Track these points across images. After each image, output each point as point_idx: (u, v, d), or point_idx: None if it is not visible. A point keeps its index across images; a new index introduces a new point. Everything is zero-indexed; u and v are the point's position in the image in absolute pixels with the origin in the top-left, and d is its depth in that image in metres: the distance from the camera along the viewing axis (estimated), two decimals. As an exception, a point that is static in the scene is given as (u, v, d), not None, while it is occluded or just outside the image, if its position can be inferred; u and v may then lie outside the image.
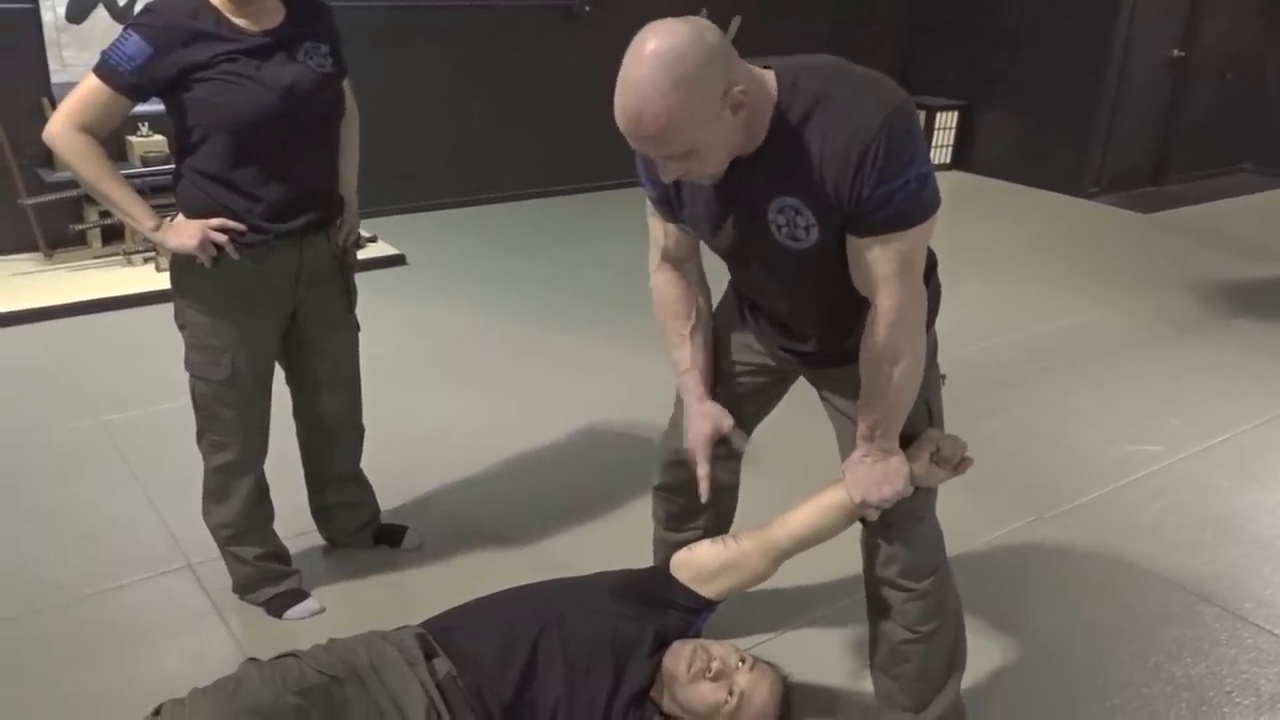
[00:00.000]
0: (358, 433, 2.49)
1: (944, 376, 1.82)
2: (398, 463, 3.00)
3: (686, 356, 1.84)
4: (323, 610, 2.38)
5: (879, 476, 1.69)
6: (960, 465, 1.75)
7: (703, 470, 1.82)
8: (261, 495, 2.35)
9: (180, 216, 2.05)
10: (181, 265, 2.06)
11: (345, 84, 2.17)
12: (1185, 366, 3.93)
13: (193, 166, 2.02)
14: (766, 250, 1.59)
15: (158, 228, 2.00)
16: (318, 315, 2.24)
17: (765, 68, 1.50)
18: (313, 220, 2.12)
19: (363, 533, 2.60)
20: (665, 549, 2.12)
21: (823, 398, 1.86)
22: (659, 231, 1.79)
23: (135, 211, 1.99)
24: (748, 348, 1.88)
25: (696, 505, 1.92)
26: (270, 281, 2.11)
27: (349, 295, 2.32)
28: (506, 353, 3.91)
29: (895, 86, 1.49)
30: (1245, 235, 5.87)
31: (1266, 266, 5.24)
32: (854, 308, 1.61)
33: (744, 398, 1.91)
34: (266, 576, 2.38)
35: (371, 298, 4.49)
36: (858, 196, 1.44)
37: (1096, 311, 4.50)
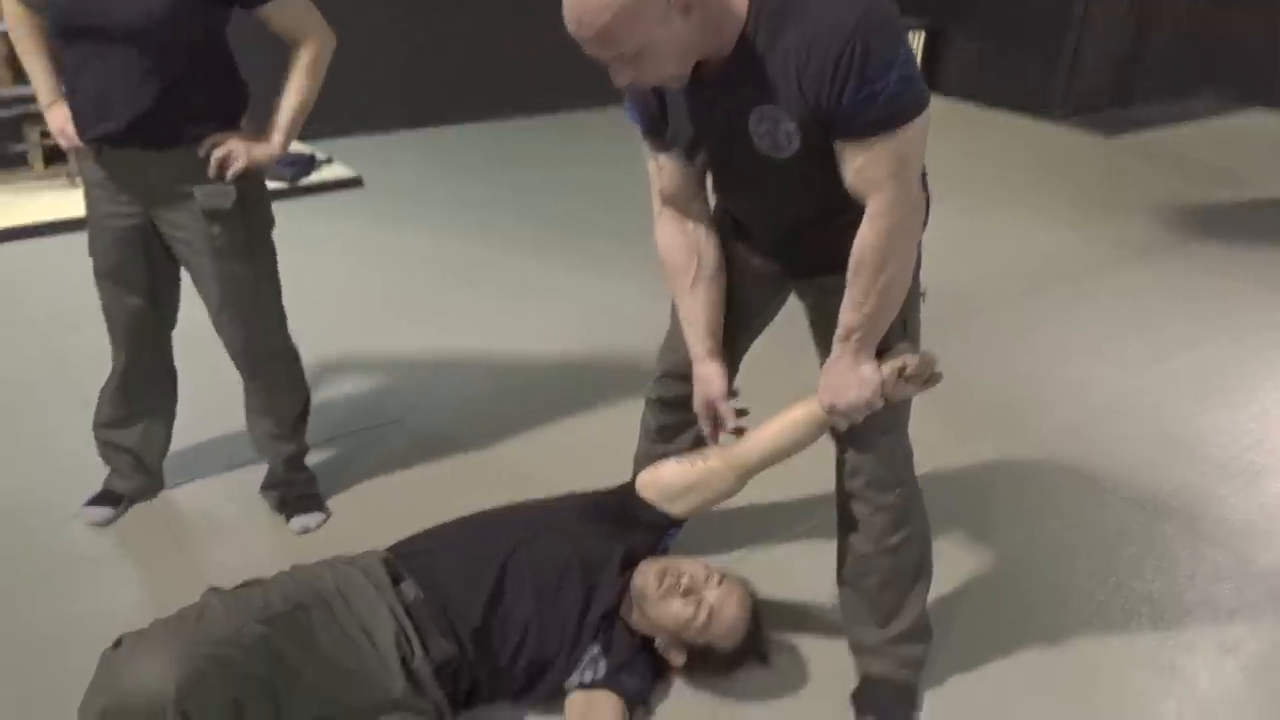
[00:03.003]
0: (266, 370, 2.34)
1: (924, 292, 1.79)
2: (353, 391, 2.96)
3: (688, 310, 1.81)
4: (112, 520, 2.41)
5: (850, 383, 1.67)
6: (930, 380, 1.74)
7: (708, 429, 1.85)
8: (120, 394, 2.36)
9: None
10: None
11: (305, 12, 2.07)
12: (1147, 290, 3.95)
13: None
14: (750, 163, 1.55)
15: (49, 105, 2.12)
16: (188, 240, 2.13)
17: None
18: (127, 134, 2.00)
19: (269, 493, 2.51)
20: (650, 463, 2.11)
21: (808, 308, 1.84)
22: (654, 169, 1.73)
23: (39, 86, 2.12)
24: (740, 260, 1.84)
25: (690, 419, 1.91)
26: (112, 185, 2.10)
27: (231, 222, 2.13)
28: (464, 278, 3.85)
29: None
30: (1208, 159, 5.89)
31: (1228, 190, 5.27)
32: (844, 214, 1.57)
33: (740, 311, 1.88)
34: (113, 468, 2.46)
35: (326, 222, 4.45)
36: (838, 100, 1.40)
37: (1060, 235, 4.51)
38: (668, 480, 1.92)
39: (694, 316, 1.81)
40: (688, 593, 1.85)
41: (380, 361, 3.18)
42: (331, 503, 2.51)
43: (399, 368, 3.16)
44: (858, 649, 1.97)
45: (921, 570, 1.92)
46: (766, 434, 1.83)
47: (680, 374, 1.91)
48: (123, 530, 2.38)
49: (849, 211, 1.55)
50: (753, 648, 1.94)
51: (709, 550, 2.27)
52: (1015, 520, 2.52)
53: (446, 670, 1.78)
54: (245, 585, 1.71)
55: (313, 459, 2.59)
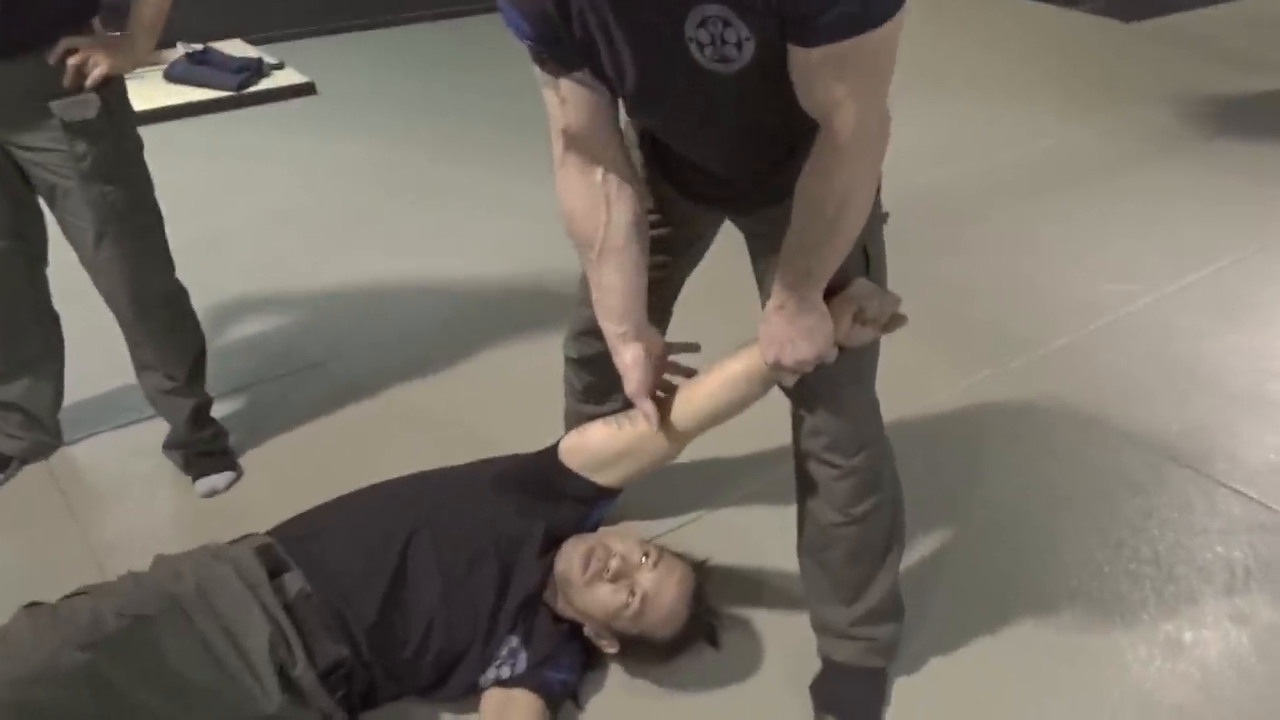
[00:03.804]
0: (152, 316, 2.06)
1: (886, 215, 1.49)
2: (276, 329, 2.69)
3: (598, 286, 1.49)
4: None
5: (796, 333, 1.38)
6: (890, 324, 1.45)
7: (650, 410, 1.54)
8: None
9: None
10: None
11: None
12: (1163, 192, 3.60)
13: None
14: (686, 80, 1.20)
15: None
16: (49, 164, 1.84)
17: None
18: None
19: (172, 452, 2.26)
20: (580, 422, 1.84)
21: (748, 237, 1.54)
22: (554, 101, 1.33)
23: None
24: (665, 196, 1.54)
25: (615, 381, 1.61)
26: None
27: (98, 138, 1.85)
28: (417, 193, 3.54)
29: None
30: (1239, 45, 5.40)
31: (1256, 79, 4.82)
32: (795, 136, 1.28)
33: (666, 251, 1.58)
34: None
35: (272, 133, 4.11)
36: None
37: (1069, 132, 4.12)
38: (594, 446, 1.65)
39: (605, 294, 1.49)
40: (618, 577, 1.61)
41: (311, 295, 2.90)
42: (245, 460, 2.26)
43: (331, 301, 2.87)
44: (820, 629, 1.73)
45: (893, 540, 1.66)
46: (702, 392, 1.55)
47: (593, 329, 1.63)
48: (8, 496, 2.14)
49: (805, 135, 1.25)
50: (695, 634, 1.70)
51: (652, 513, 2.02)
52: (1006, 465, 2.25)
53: (337, 674, 1.54)
54: (73, 596, 1.45)
55: (224, 409, 2.34)
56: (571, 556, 1.63)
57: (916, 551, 1.94)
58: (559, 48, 1.25)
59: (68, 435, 2.30)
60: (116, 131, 1.89)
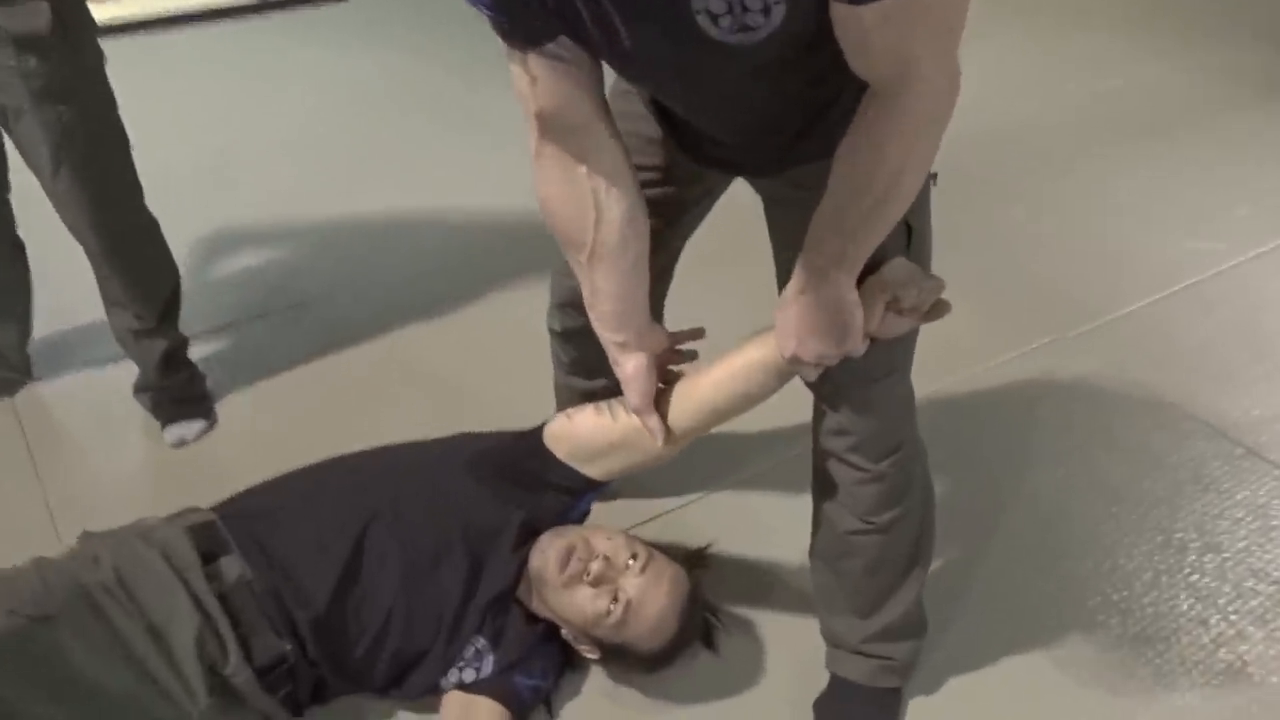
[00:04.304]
0: (120, 250, 1.88)
1: (935, 176, 1.23)
2: (267, 265, 2.51)
3: (591, 292, 1.27)
4: None
5: (819, 323, 1.14)
6: (931, 313, 1.21)
7: (656, 426, 1.33)
8: None
9: None
10: None
11: None
12: (1261, 141, 3.22)
13: None
14: (695, 55, 0.96)
15: None
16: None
17: None
18: None
19: (142, 396, 2.08)
20: (571, 396, 1.64)
21: (765, 200, 1.30)
22: (523, 80, 1.08)
23: None
24: (659, 149, 1.31)
25: (604, 356, 1.38)
26: None
27: (50, 54, 1.66)
28: (444, 116, 3.31)
29: None
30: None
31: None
32: (837, 103, 1.06)
33: (664, 214, 1.35)
34: None
35: (295, 45, 3.88)
36: None
37: (1156, 67, 3.72)
38: (583, 436, 1.44)
39: (599, 299, 1.26)
40: (600, 581, 1.41)
41: (312, 228, 2.70)
42: (222, 406, 2.10)
43: (333, 236, 2.67)
44: (830, 640, 1.52)
45: (919, 553, 1.44)
46: (707, 385, 1.32)
47: (576, 300, 1.40)
48: (-34, 437, 2.01)
49: (844, 95, 1.03)
50: (686, 643, 1.50)
51: (649, 490, 1.82)
52: (1057, 451, 1.99)
53: (278, 671, 1.38)
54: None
55: (203, 350, 2.18)
56: (548, 553, 1.43)
57: (945, 550, 1.70)
58: (525, 16, 1.00)
59: (38, 371, 2.15)
60: (72, 45, 1.69)
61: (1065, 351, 2.26)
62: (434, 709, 1.49)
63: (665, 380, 1.35)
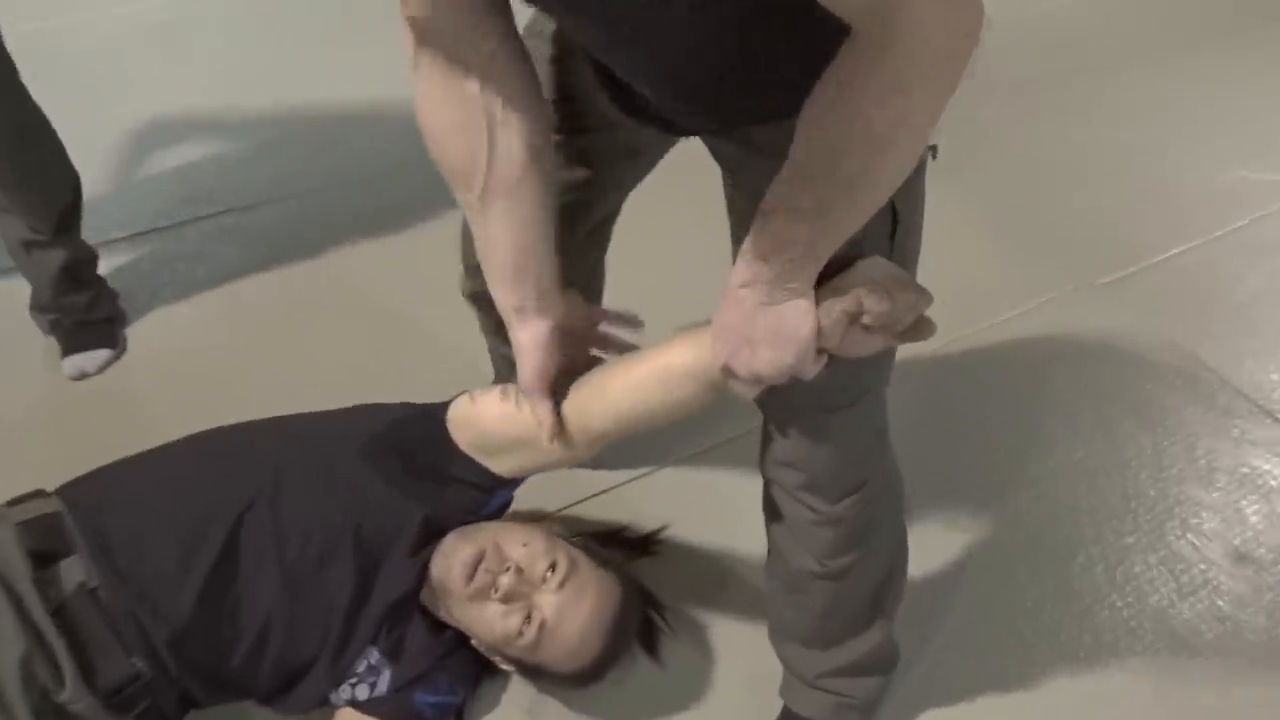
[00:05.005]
0: (6, 154, 1.64)
1: (934, 149, 0.94)
2: (229, 150, 2.23)
3: (483, 239, 1.00)
4: None
5: (757, 331, 0.88)
6: (910, 332, 0.94)
7: (545, 414, 1.08)
8: None
9: None
10: None
11: None
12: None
13: None
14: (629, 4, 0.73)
15: None
16: None
17: None
18: None
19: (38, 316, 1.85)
20: (504, 365, 1.40)
21: (725, 171, 1.01)
22: None
23: None
24: (597, 114, 1.03)
25: None
26: None
27: None
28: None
29: None
30: None
31: None
32: (808, 47, 0.77)
33: (587, 163, 1.07)
34: None
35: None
36: None
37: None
38: (486, 425, 1.20)
39: (492, 250, 1.01)
40: (510, 598, 1.19)
41: (248, 121, 2.39)
42: (134, 331, 1.86)
43: (272, 130, 2.37)
44: (786, 665, 1.31)
45: (882, 603, 1.22)
46: (622, 384, 1.07)
47: None
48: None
49: (816, 41, 0.74)
50: (613, 662, 1.29)
51: (595, 462, 1.57)
52: (1073, 426, 1.74)
53: (130, 690, 1.17)
54: None
55: (116, 260, 1.92)
56: (451, 561, 1.21)
57: (928, 545, 1.48)
58: None
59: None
60: None
61: (1090, 302, 1.99)
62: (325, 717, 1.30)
63: (583, 367, 1.10)
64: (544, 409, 1.06)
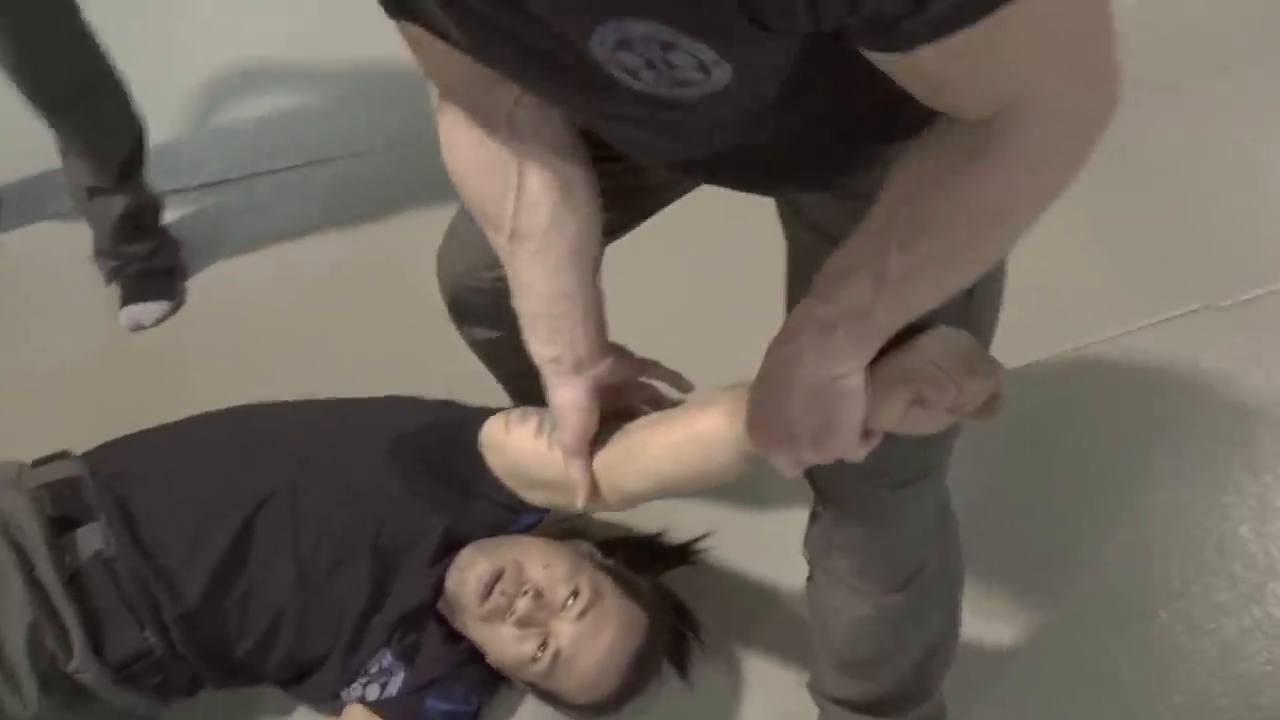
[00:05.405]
0: (74, 105, 1.62)
1: None
2: (312, 100, 2.18)
3: (518, 285, 0.90)
4: None
5: (796, 405, 0.75)
6: (986, 410, 0.80)
7: (581, 478, 0.98)
8: None
9: None
10: None
11: None
12: None
13: None
14: (619, 106, 0.64)
15: None
16: None
17: None
18: None
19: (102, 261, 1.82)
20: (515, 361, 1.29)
21: (786, 231, 0.91)
22: (410, 41, 0.76)
23: None
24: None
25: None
26: None
27: None
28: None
29: None
30: None
31: None
32: (863, 114, 0.69)
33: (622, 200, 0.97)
34: None
35: None
36: None
37: None
38: (518, 459, 1.13)
39: (524, 296, 0.91)
40: (526, 623, 1.13)
41: (331, 72, 2.31)
42: (194, 284, 1.84)
43: (355, 82, 2.29)
44: (819, 699, 1.22)
45: (927, 680, 1.13)
46: (660, 446, 0.96)
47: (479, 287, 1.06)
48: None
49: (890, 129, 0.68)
50: (631, 698, 1.21)
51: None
52: (1177, 472, 1.57)
53: (141, 664, 1.15)
54: None
55: (182, 210, 1.90)
56: (468, 575, 1.15)
57: (988, 584, 1.36)
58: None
59: (7, 220, 1.93)
60: None
61: (1211, 325, 1.79)
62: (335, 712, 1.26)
63: (625, 416, 1.00)
64: (581, 471, 0.97)
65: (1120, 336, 1.76)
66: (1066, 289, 1.72)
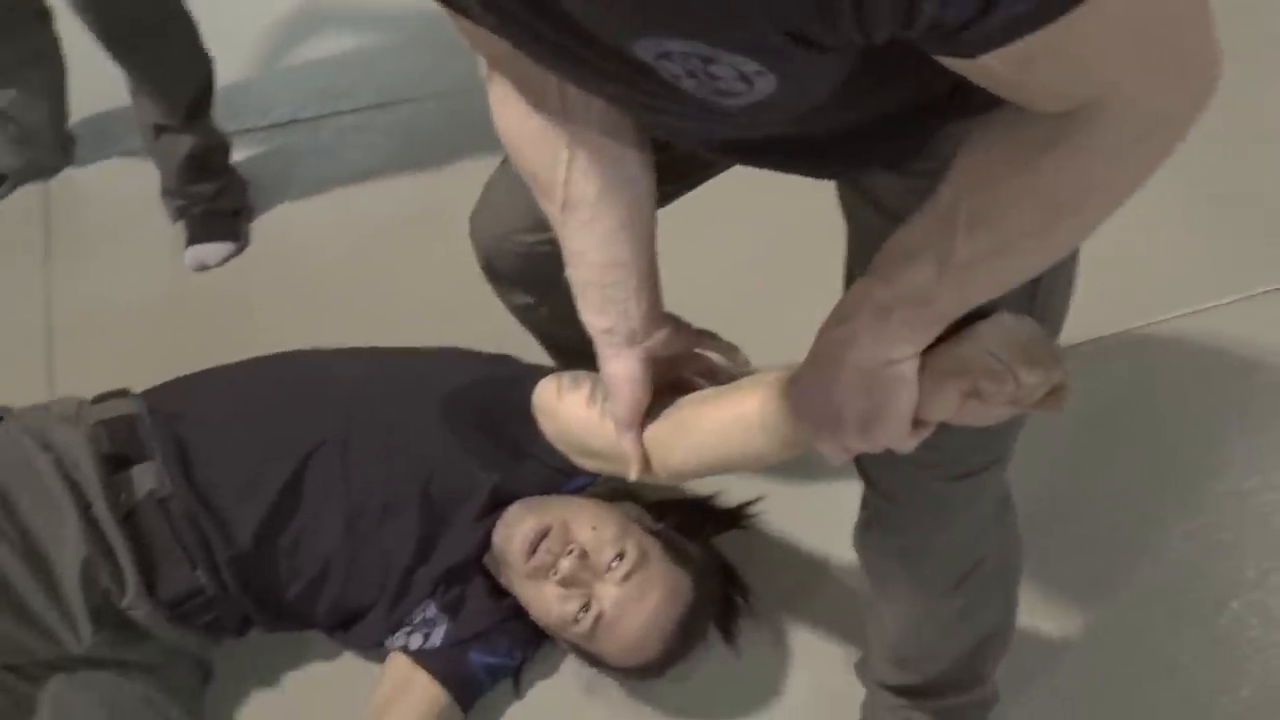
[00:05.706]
0: (143, 45, 1.64)
1: None
2: (378, 42, 2.16)
3: (572, 254, 0.86)
4: None
5: (844, 390, 0.72)
6: (1050, 400, 0.75)
7: (634, 451, 0.94)
8: None
9: None
10: None
11: None
12: None
13: None
14: (667, 103, 0.61)
15: None
16: None
17: None
18: None
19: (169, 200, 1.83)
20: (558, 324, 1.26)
21: (845, 212, 0.86)
22: (459, 26, 0.73)
23: None
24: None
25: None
26: None
27: None
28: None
29: None
30: None
31: None
32: (927, 104, 0.66)
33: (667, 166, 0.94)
34: None
35: None
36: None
37: None
38: (569, 426, 1.09)
39: (576, 266, 0.86)
40: (570, 583, 1.12)
41: (402, 13, 2.29)
42: (259, 225, 1.84)
43: (428, 23, 2.27)
44: (867, 683, 1.19)
45: (980, 669, 1.10)
46: (710, 424, 0.92)
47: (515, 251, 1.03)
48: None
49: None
50: (674, 662, 1.20)
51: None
52: (1259, 455, 1.50)
53: (192, 602, 1.17)
54: None
55: (249, 150, 1.90)
56: (513, 532, 1.15)
57: (1050, 566, 1.31)
58: None
59: (82, 155, 1.95)
60: None
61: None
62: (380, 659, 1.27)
63: (679, 389, 0.96)
64: (633, 445, 0.94)
65: (1195, 313, 1.68)
66: (1138, 260, 1.63)
